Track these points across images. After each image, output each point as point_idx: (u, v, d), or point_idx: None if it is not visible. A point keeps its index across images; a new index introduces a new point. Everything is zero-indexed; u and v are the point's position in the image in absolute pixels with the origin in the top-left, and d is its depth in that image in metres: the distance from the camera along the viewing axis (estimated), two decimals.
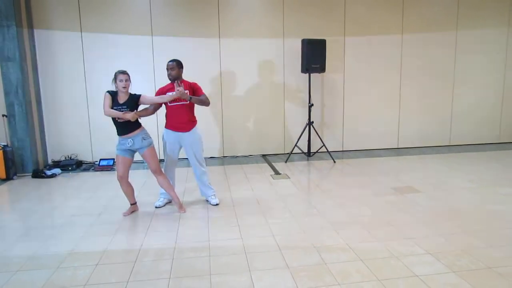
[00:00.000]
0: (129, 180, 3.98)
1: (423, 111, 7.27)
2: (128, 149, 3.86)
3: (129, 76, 3.77)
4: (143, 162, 6.13)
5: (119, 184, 3.95)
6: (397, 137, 7.31)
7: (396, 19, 6.90)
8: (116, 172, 3.93)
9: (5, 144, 5.60)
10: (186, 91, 3.94)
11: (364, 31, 6.83)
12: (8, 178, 5.50)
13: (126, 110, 3.72)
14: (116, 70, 3.78)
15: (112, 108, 3.71)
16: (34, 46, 6.05)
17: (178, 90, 3.85)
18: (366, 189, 4.71)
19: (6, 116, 5.69)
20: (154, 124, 6.23)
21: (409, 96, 7.18)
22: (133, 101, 3.80)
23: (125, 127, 3.77)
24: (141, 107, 3.92)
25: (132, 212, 4.05)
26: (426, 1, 6.94)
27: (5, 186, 5.25)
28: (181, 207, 4.06)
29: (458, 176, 5.24)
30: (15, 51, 5.55)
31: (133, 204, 4.08)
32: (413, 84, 7.15)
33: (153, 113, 4.06)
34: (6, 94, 5.63)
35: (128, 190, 4.00)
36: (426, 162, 6.13)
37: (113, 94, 3.76)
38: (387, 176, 5.29)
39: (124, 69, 3.79)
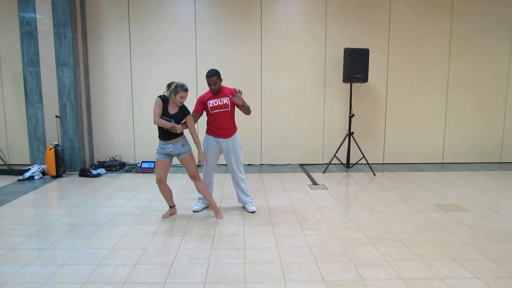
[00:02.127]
0: (168, 183, 4.08)
1: (471, 124, 6.93)
2: (168, 154, 3.95)
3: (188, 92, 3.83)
4: (181, 166, 6.25)
5: (158, 187, 4.06)
6: (442, 151, 7.00)
7: (444, 27, 6.65)
8: (155, 175, 4.04)
9: (57, 143, 5.93)
10: (228, 97, 4.02)
11: (410, 40, 6.64)
12: (58, 175, 5.81)
13: (173, 121, 3.80)
14: (177, 82, 3.77)
15: (161, 117, 3.80)
16: (86, 52, 6.39)
17: (237, 96, 3.98)
18: (407, 205, 4.54)
19: (58, 117, 6.03)
20: None
21: (456, 108, 6.87)
22: (182, 116, 3.88)
23: (168, 133, 3.86)
24: None
25: (171, 214, 4.14)
26: (477, 7, 6.65)
27: (55, 183, 5.55)
28: (218, 212, 4.10)
29: (509, 196, 4.92)
30: (70, 56, 5.89)
31: (172, 207, 4.17)
32: (461, 96, 6.84)
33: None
34: (60, 96, 5.98)
35: (167, 193, 4.10)
36: (473, 179, 5.82)
37: (165, 101, 3.82)
38: (430, 192, 5.08)
39: (186, 86, 3.81)
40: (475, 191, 5.14)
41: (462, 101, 6.86)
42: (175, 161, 4.06)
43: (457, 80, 6.80)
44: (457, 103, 6.86)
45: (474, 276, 2.81)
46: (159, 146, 3.95)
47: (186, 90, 3.80)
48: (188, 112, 3.92)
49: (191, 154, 4.02)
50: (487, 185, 5.48)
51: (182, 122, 3.92)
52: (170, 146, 3.90)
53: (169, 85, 3.82)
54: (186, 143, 3.98)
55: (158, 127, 3.89)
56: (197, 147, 4.02)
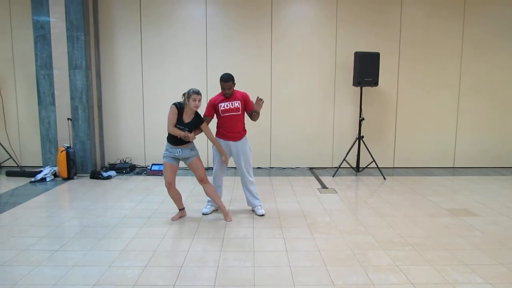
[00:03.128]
0: (178, 187, 4.10)
1: (484, 128, 6.84)
2: (176, 157, 3.97)
3: (201, 96, 3.85)
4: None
5: (167, 190, 4.07)
6: (454, 156, 6.92)
7: (456, 30, 6.60)
8: (164, 178, 4.04)
9: (68, 145, 6.00)
10: (238, 102, 4.06)
11: (421, 43, 6.59)
12: (69, 177, 5.88)
13: (187, 131, 3.84)
14: (190, 88, 3.83)
15: (176, 125, 3.82)
16: (98, 55, 6.47)
17: (259, 103, 4.04)
18: (418, 209, 4.50)
19: (70, 120, 6.10)
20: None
21: (468, 112, 6.79)
22: (196, 125, 3.91)
23: (179, 139, 3.88)
24: None
25: (180, 217, 4.15)
26: (489, 9, 6.58)
27: (66, 185, 5.61)
28: (227, 215, 4.11)
29: None
30: (82, 59, 5.97)
31: (182, 209, 4.18)
32: (473, 99, 6.76)
33: None
34: (72, 99, 6.06)
35: (176, 195, 4.11)
36: (485, 183, 5.75)
37: (180, 109, 3.83)
38: (441, 197, 5.02)
39: (198, 89, 3.84)
40: (487, 196, 5.07)
41: (474, 105, 6.78)
42: (184, 163, 4.07)
43: (469, 84, 6.73)
44: (469, 106, 6.78)
45: (485, 282, 2.77)
46: (167, 150, 3.97)
47: (198, 93, 3.82)
48: (202, 120, 3.94)
49: (199, 158, 4.04)
50: (500, 190, 5.40)
51: (196, 130, 3.95)
52: (178, 151, 3.92)
53: (184, 94, 3.85)
54: (194, 148, 4.01)
55: None
56: (220, 152, 4.08)
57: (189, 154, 3.96)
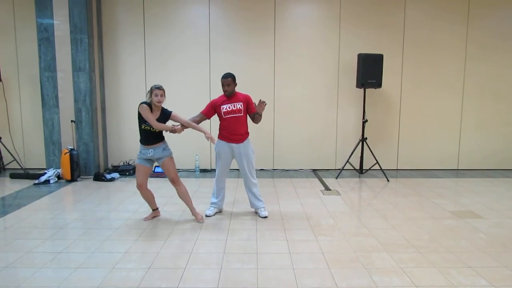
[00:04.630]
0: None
1: (488, 130, 6.81)
2: (148, 159, 3.96)
3: (164, 91, 3.83)
4: (193, 171, 6.30)
5: (139, 192, 4.05)
6: (457, 158, 6.89)
7: (459, 32, 6.58)
8: (136, 180, 4.02)
9: (72, 147, 6.02)
10: (240, 103, 4.06)
11: (425, 45, 6.58)
12: (73, 179, 5.89)
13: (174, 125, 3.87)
14: (152, 85, 3.85)
15: (145, 123, 3.80)
16: (102, 57, 6.49)
17: (261, 106, 4.02)
18: (422, 211, 4.48)
19: (74, 122, 6.12)
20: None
21: (472, 114, 6.77)
22: (165, 118, 3.90)
23: (151, 138, 3.88)
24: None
25: (153, 217, 4.18)
26: (493, 11, 6.57)
27: (70, 187, 5.63)
28: (197, 216, 4.09)
29: None
30: (86, 62, 5.99)
31: (155, 209, 4.20)
32: (477, 101, 6.74)
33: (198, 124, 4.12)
34: (76, 101, 6.07)
35: (148, 196, 4.12)
36: (490, 186, 5.71)
37: (149, 107, 3.81)
38: (445, 199, 5.00)
39: (160, 85, 3.83)
40: (492, 198, 5.05)
41: (478, 107, 6.76)
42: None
43: (473, 85, 6.71)
44: (473, 108, 6.76)
45: (490, 284, 2.75)
46: (140, 151, 3.96)
47: (159, 88, 3.78)
48: (169, 112, 3.92)
49: (171, 158, 4.01)
50: (504, 192, 5.37)
51: (188, 122, 3.95)
52: (151, 151, 3.91)
53: (147, 93, 3.86)
54: (167, 148, 3.99)
55: (140, 131, 3.88)
56: (201, 131, 3.96)
57: (161, 154, 3.94)
